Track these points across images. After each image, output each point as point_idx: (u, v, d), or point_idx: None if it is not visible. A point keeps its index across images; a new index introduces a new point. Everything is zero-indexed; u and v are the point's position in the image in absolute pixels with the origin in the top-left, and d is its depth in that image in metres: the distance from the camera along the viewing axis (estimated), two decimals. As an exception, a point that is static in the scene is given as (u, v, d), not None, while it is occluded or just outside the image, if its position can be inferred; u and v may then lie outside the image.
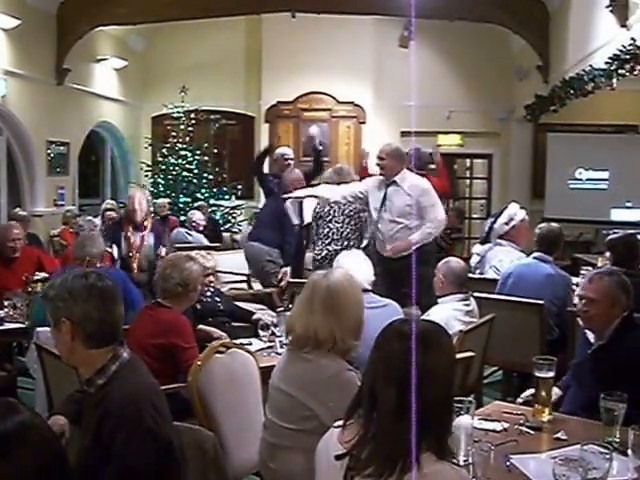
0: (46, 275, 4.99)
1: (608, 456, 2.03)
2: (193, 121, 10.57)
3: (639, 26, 5.78)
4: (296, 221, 6.13)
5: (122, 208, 7.72)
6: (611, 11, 6.09)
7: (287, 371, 2.59)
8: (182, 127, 10.49)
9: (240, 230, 10.05)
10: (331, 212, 5.67)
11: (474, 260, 5.76)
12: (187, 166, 10.36)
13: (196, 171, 10.38)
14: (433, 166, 6.61)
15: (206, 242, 8.10)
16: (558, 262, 5.07)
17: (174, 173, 10.33)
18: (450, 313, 3.94)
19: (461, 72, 10.94)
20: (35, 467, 1.44)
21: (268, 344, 3.89)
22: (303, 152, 10.87)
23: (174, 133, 10.54)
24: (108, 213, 7.90)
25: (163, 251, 5.76)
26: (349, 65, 10.54)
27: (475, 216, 11.89)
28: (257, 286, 6.65)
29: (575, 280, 5.07)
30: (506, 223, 5.48)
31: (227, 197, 10.69)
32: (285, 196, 5.90)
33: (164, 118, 11.02)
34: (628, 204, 9.81)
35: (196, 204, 9.60)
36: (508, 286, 4.76)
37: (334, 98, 10.97)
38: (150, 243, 5.68)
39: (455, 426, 2.09)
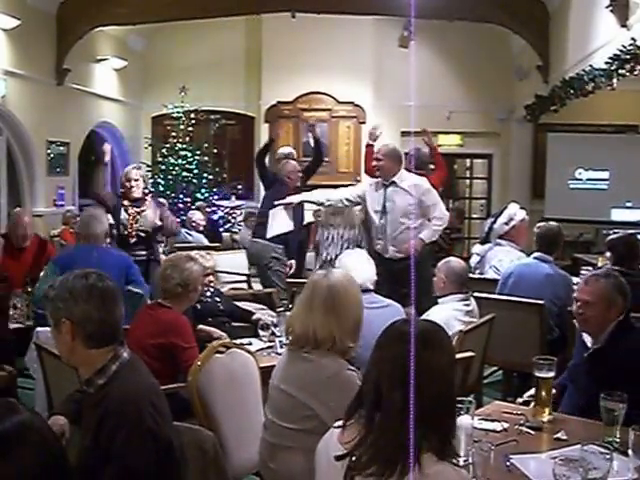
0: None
1: (608, 456, 2.03)
2: (193, 121, 10.57)
3: (639, 26, 5.78)
4: (290, 227, 6.11)
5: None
6: (611, 11, 6.08)
7: (287, 371, 2.59)
8: (182, 127, 10.49)
9: (240, 230, 10.05)
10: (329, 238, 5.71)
11: (474, 260, 5.76)
12: (187, 166, 10.37)
13: (196, 171, 10.38)
14: (433, 166, 6.60)
15: (206, 242, 8.10)
16: (558, 262, 5.07)
17: (174, 173, 10.33)
18: (450, 313, 3.94)
19: (461, 72, 10.94)
20: (35, 467, 1.44)
21: (268, 344, 3.89)
22: (303, 152, 10.88)
23: (174, 133, 10.55)
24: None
25: (160, 222, 5.69)
26: (349, 65, 10.53)
27: (475, 216, 11.90)
28: (257, 286, 6.65)
29: (575, 280, 5.07)
30: (506, 223, 5.49)
31: (227, 197, 10.70)
32: (277, 202, 5.87)
33: (164, 118, 11.02)
34: (628, 204, 9.81)
35: (196, 204, 9.60)
36: (508, 286, 4.76)
37: (334, 98, 10.97)
38: (147, 215, 5.60)
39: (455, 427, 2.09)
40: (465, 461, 2.15)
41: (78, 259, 4.46)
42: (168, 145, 10.53)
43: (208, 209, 9.80)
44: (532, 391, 2.91)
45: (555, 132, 10.30)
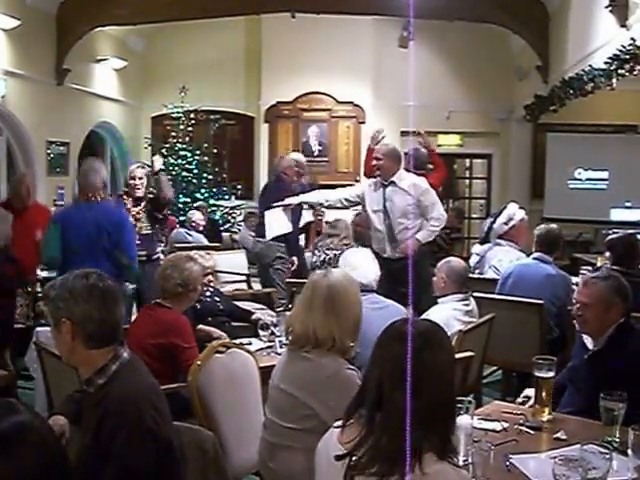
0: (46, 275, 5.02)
1: (608, 456, 2.03)
2: (193, 121, 10.56)
3: (639, 26, 5.78)
4: (289, 229, 6.11)
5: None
6: (611, 11, 6.08)
7: (287, 370, 2.60)
8: (182, 127, 10.49)
9: (240, 230, 10.05)
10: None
11: (473, 260, 5.77)
12: (187, 166, 10.36)
13: (196, 171, 10.38)
14: (432, 166, 6.61)
15: (206, 242, 8.11)
16: (558, 262, 5.08)
17: (174, 173, 10.31)
18: (450, 313, 3.94)
19: (461, 72, 10.94)
20: (34, 468, 1.44)
21: (268, 344, 3.90)
22: (303, 152, 10.87)
23: (174, 133, 10.54)
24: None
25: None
26: (349, 65, 10.53)
27: (475, 216, 11.90)
28: (257, 286, 6.66)
29: (575, 280, 5.07)
30: (505, 223, 5.49)
31: (227, 197, 10.70)
32: (276, 204, 5.87)
33: (164, 118, 11.02)
34: (627, 204, 9.81)
35: (196, 204, 9.60)
36: (508, 286, 4.76)
37: (334, 98, 10.97)
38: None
39: (455, 426, 2.09)
40: (465, 461, 2.15)
41: (75, 216, 4.62)
42: (168, 145, 10.52)
43: (208, 209, 9.80)
44: (527, 392, 2.92)
45: (555, 132, 10.30)
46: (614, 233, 5.14)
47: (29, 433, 1.45)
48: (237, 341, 3.61)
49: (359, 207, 5.96)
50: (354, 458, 1.68)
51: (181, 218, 9.23)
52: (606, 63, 6.17)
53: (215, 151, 10.88)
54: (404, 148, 6.37)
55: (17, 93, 7.99)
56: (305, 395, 2.48)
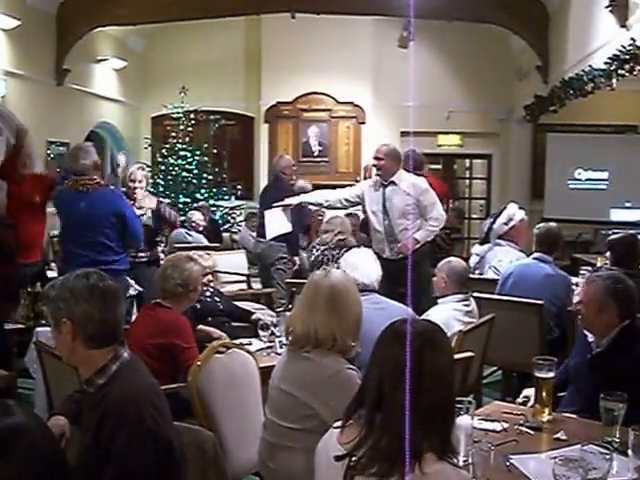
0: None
1: (608, 456, 2.03)
2: (193, 121, 10.55)
3: (639, 26, 5.78)
4: (288, 229, 6.11)
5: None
6: (611, 11, 6.09)
7: (287, 370, 2.60)
8: (182, 127, 10.48)
9: (239, 230, 10.05)
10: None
11: (473, 260, 5.77)
12: (187, 166, 10.35)
13: (196, 171, 10.37)
14: (430, 166, 6.65)
15: (206, 242, 8.10)
16: (558, 262, 5.08)
17: (174, 173, 10.33)
18: (450, 313, 3.94)
19: (461, 72, 10.94)
20: (29, 469, 1.44)
21: (268, 344, 3.89)
22: (302, 152, 10.90)
23: (174, 133, 10.53)
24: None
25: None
26: (349, 65, 10.53)
27: (474, 216, 11.90)
28: (257, 286, 6.67)
29: (575, 280, 5.07)
30: (505, 223, 5.49)
31: (226, 197, 10.70)
32: (276, 205, 5.87)
33: (164, 118, 11.02)
34: (627, 204, 9.81)
35: (197, 204, 9.60)
36: (508, 286, 4.76)
37: (334, 98, 10.97)
38: (149, 217, 5.58)
39: (455, 426, 2.09)
40: (465, 461, 2.15)
41: (69, 209, 4.54)
42: (168, 145, 10.52)
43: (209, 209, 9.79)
44: (527, 392, 2.92)
45: (554, 132, 10.30)
46: (614, 233, 5.13)
47: (23, 435, 1.44)
48: (237, 341, 3.61)
49: (359, 207, 5.97)
50: (354, 458, 1.68)
51: (181, 218, 9.22)
52: (606, 63, 6.17)
53: (215, 151, 10.88)
54: (404, 148, 6.37)
55: (17, 93, 7.99)
56: (306, 395, 2.49)
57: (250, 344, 3.81)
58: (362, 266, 3.50)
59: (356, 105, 10.98)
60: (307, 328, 2.54)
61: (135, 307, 5.24)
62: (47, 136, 8.72)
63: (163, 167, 10.43)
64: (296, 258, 6.41)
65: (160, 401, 2.03)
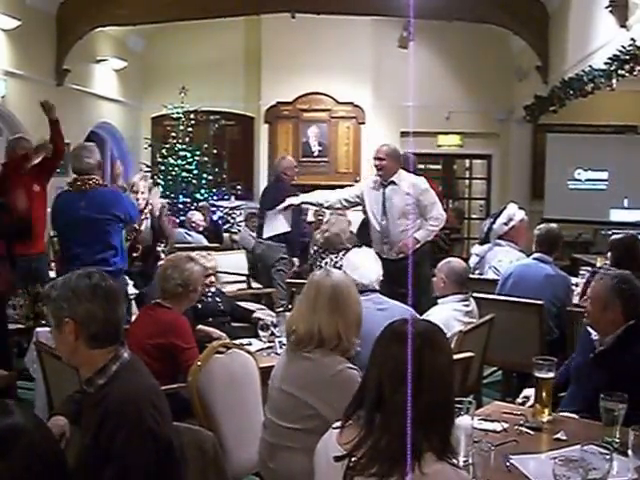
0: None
1: (608, 456, 2.03)
2: (192, 122, 10.55)
3: (639, 26, 5.78)
4: (286, 228, 6.11)
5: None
6: (611, 11, 6.09)
7: (288, 371, 2.60)
8: (182, 128, 10.48)
9: (239, 230, 10.05)
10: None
11: (473, 260, 5.77)
12: (187, 167, 10.35)
13: (195, 172, 10.37)
14: (429, 166, 6.70)
15: (205, 242, 8.11)
16: (558, 263, 5.08)
17: (174, 174, 10.32)
18: (450, 313, 3.94)
19: (460, 73, 10.94)
20: (26, 470, 1.44)
21: (268, 344, 3.90)
22: (302, 153, 10.90)
23: (174, 134, 10.53)
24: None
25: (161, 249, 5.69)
26: (348, 66, 10.54)
27: (474, 216, 11.90)
28: (257, 286, 6.66)
29: (574, 280, 5.07)
30: (505, 223, 5.49)
31: (226, 197, 10.70)
32: (279, 207, 5.87)
33: (164, 119, 11.01)
34: (627, 204, 9.81)
35: (199, 205, 9.60)
36: (508, 286, 4.76)
37: (333, 99, 10.97)
38: (147, 226, 5.57)
39: (455, 426, 2.09)
40: (465, 461, 2.15)
41: (68, 210, 4.53)
42: (168, 145, 10.52)
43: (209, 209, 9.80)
44: (526, 392, 2.92)
45: (554, 132, 10.29)
46: (614, 234, 5.14)
47: (22, 435, 1.44)
48: (237, 341, 3.61)
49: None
50: (353, 459, 1.68)
51: (181, 218, 9.23)
52: (606, 64, 6.17)
53: (215, 151, 10.88)
54: (404, 148, 6.38)
55: (17, 93, 7.99)
56: (307, 395, 2.49)
57: (250, 344, 3.82)
58: (362, 266, 3.51)
59: (356, 105, 10.98)
60: (311, 327, 2.54)
61: (134, 308, 5.24)
62: (47, 136, 8.71)
63: (163, 167, 10.43)
64: (295, 259, 6.41)
65: (160, 401, 2.03)
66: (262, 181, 11.09)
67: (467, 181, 12.56)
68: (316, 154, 10.98)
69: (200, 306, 4.23)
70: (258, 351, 3.71)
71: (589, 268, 5.85)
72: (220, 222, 10.21)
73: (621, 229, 6.59)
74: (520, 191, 10.46)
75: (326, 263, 5.54)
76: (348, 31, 10.38)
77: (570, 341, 4.41)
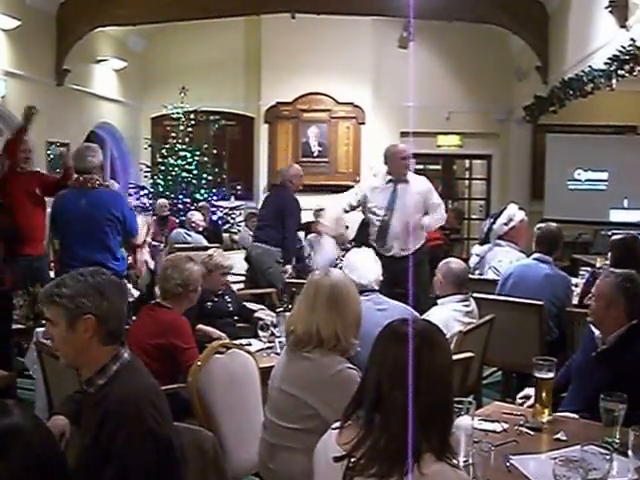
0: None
1: (608, 457, 2.03)
2: (192, 122, 10.56)
3: (639, 27, 5.79)
4: (336, 252, 6.11)
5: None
6: (610, 12, 6.09)
7: (288, 371, 2.60)
8: (182, 128, 10.49)
9: (239, 231, 10.06)
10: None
11: (473, 260, 5.78)
12: (186, 167, 10.37)
13: (195, 172, 10.38)
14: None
15: (205, 243, 8.11)
16: (557, 263, 5.07)
17: (173, 174, 10.33)
18: (450, 314, 3.94)
19: (460, 73, 10.94)
20: (24, 469, 1.44)
21: (268, 345, 3.90)
22: (302, 153, 10.90)
23: (174, 134, 10.54)
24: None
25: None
26: (348, 66, 10.54)
27: (474, 217, 11.90)
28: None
29: (574, 281, 5.07)
30: (505, 224, 5.50)
31: (226, 198, 10.70)
32: (315, 235, 5.87)
33: (164, 119, 11.02)
34: (627, 205, 9.81)
35: (198, 205, 9.60)
36: (508, 287, 4.76)
37: (333, 99, 10.98)
38: (149, 262, 5.58)
39: (455, 427, 2.09)
40: (465, 462, 2.15)
41: (68, 204, 4.57)
42: (168, 146, 10.53)
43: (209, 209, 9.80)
44: (525, 392, 2.92)
45: (554, 133, 10.30)
46: (614, 234, 5.13)
47: (21, 435, 1.45)
48: (237, 342, 3.61)
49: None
50: (353, 459, 1.68)
51: (181, 218, 9.23)
52: (606, 64, 6.17)
53: (215, 152, 10.89)
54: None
55: (17, 93, 7.99)
56: (307, 395, 2.49)
57: (250, 344, 3.82)
58: (361, 266, 3.52)
59: (356, 105, 10.98)
60: (309, 327, 2.54)
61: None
62: (47, 136, 8.72)
63: (163, 167, 10.44)
64: (288, 267, 6.33)
65: (160, 401, 2.03)
66: (262, 181, 11.10)
67: (467, 181, 12.56)
68: (316, 154, 10.98)
69: (210, 306, 4.25)
70: (258, 351, 3.71)
71: (589, 269, 5.85)
72: (220, 222, 10.22)
73: (621, 229, 6.58)
74: (520, 191, 10.47)
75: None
76: (348, 31, 10.38)
77: (570, 341, 4.41)
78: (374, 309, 3.31)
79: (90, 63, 9.84)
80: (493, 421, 2.61)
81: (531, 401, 2.79)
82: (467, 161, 12.27)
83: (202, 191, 10.32)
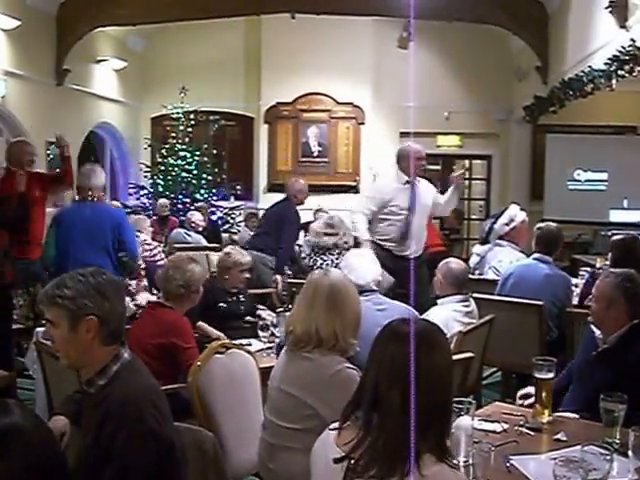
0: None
1: (608, 457, 2.03)
2: (192, 122, 10.56)
3: (638, 27, 5.79)
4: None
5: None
6: (610, 12, 6.09)
7: (288, 371, 2.60)
8: (181, 128, 10.49)
9: (239, 231, 10.06)
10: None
11: (473, 260, 5.78)
12: (186, 167, 10.37)
13: (195, 172, 10.38)
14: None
15: (205, 243, 8.11)
16: (557, 263, 5.07)
17: (173, 174, 10.33)
18: (449, 314, 3.94)
19: (460, 73, 10.94)
20: (24, 469, 1.44)
21: (268, 345, 3.90)
22: (302, 153, 10.91)
23: (173, 134, 10.54)
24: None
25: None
26: (348, 66, 10.54)
27: (474, 217, 11.91)
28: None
29: (574, 281, 5.06)
30: (507, 224, 5.50)
31: (226, 198, 10.70)
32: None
33: (163, 119, 11.02)
34: (626, 205, 9.81)
35: (197, 205, 9.60)
36: (508, 287, 4.76)
37: (333, 99, 10.98)
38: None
39: (455, 427, 2.09)
40: (465, 462, 2.15)
41: (73, 214, 4.76)
42: (167, 146, 10.53)
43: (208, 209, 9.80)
44: (524, 391, 2.92)
45: (554, 133, 10.30)
46: (613, 234, 5.13)
47: (20, 434, 1.45)
48: (237, 342, 3.61)
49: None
50: (352, 461, 1.67)
51: (181, 218, 9.23)
52: (606, 64, 6.17)
53: (215, 152, 10.89)
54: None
55: (17, 93, 7.99)
56: (307, 395, 2.49)
57: (250, 344, 3.82)
58: (360, 267, 3.52)
59: (356, 106, 10.99)
60: (308, 327, 2.54)
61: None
62: (47, 136, 8.71)
63: (163, 167, 10.44)
64: (278, 277, 6.26)
65: (161, 401, 2.03)
66: (262, 181, 11.11)
67: (467, 182, 12.53)
68: (316, 154, 10.98)
69: (224, 307, 4.25)
70: (258, 351, 3.71)
71: (589, 269, 5.85)
72: (219, 222, 10.22)
73: (621, 230, 6.58)
74: (520, 192, 10.47)
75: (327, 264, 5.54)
76: (348, 31, 10.38)
77: (570, 341, 4.41)
78: (374, 309, 3.32)
79: (90, 63, 9.84)
80: (493, 421, 2.61)
81: (531, 399, 2.79)
82: (467, 161, 12.23)
83: (202, 191, 10.32)
